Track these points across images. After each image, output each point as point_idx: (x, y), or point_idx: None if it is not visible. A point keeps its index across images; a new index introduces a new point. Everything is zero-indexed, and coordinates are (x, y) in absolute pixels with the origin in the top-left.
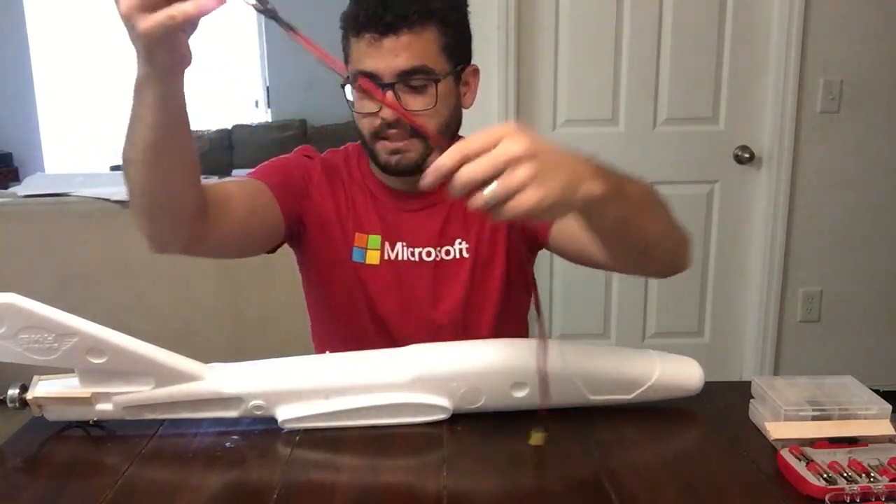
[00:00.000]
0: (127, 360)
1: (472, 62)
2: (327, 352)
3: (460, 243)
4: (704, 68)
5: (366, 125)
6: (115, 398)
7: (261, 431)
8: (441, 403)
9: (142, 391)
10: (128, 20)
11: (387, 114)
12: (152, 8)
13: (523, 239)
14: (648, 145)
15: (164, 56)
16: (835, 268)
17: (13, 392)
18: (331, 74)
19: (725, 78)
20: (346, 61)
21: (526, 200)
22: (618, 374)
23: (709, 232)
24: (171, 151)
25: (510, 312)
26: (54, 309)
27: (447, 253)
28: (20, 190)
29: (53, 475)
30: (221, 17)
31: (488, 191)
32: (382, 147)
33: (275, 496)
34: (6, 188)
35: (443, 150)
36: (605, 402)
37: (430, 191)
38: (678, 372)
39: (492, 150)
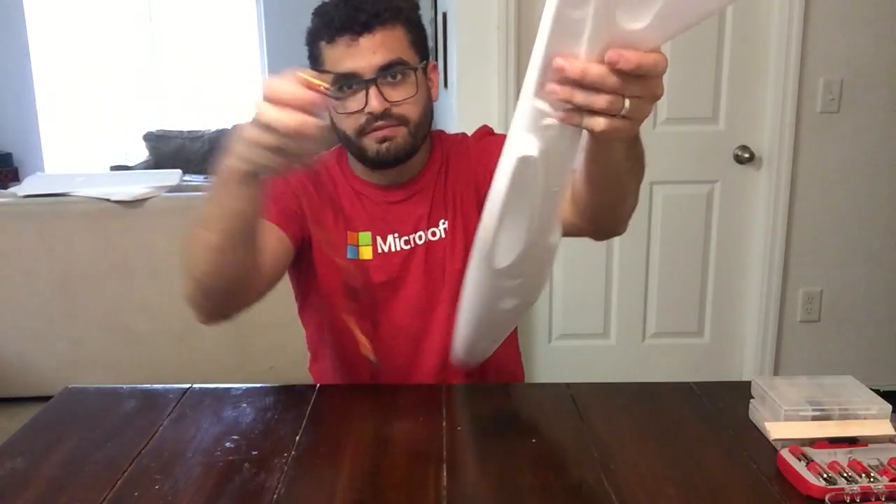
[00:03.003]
0: None
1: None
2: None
3: (444, 223)
4: (704, 68)
5: (350, 124)
6: None
7: (261, 431)
8: None
9: None
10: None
11: (373, 106)
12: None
13: None
14: (648, 145)
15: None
16: (835, 268)
17: None
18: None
19: (725, 78)
20: (319, 70)
21: (647, 110)
22: None
23: (709, 232)
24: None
25: None
26: None
27: (433, 234)
28: (20, 190)
29: (54, 475)
30: (221, 17)
31: (630, 102)
32: (370, 139)
33: (275, 496)
34: (6, 188)
35: None
36: None
37: (412, 178)
38: None
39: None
